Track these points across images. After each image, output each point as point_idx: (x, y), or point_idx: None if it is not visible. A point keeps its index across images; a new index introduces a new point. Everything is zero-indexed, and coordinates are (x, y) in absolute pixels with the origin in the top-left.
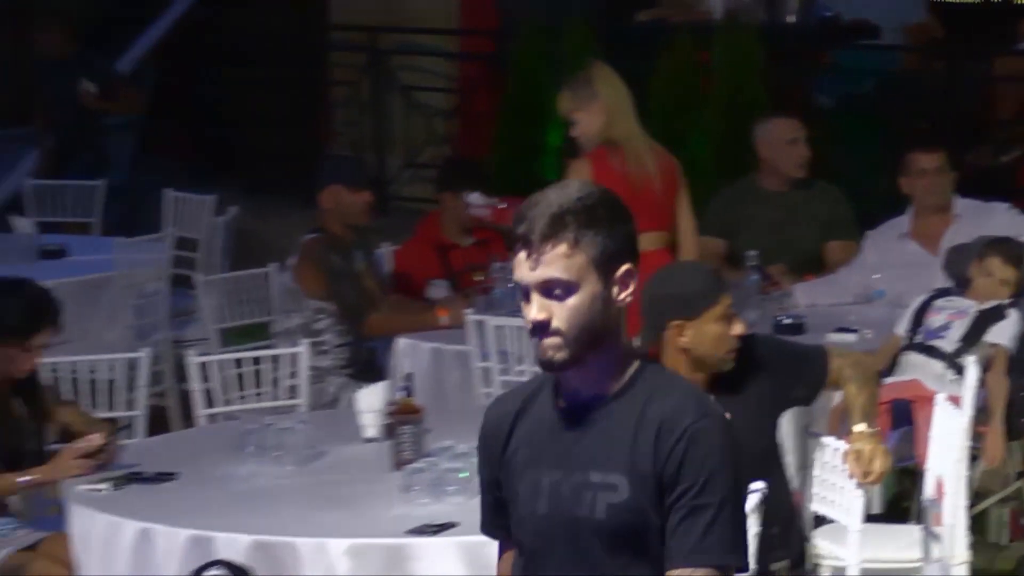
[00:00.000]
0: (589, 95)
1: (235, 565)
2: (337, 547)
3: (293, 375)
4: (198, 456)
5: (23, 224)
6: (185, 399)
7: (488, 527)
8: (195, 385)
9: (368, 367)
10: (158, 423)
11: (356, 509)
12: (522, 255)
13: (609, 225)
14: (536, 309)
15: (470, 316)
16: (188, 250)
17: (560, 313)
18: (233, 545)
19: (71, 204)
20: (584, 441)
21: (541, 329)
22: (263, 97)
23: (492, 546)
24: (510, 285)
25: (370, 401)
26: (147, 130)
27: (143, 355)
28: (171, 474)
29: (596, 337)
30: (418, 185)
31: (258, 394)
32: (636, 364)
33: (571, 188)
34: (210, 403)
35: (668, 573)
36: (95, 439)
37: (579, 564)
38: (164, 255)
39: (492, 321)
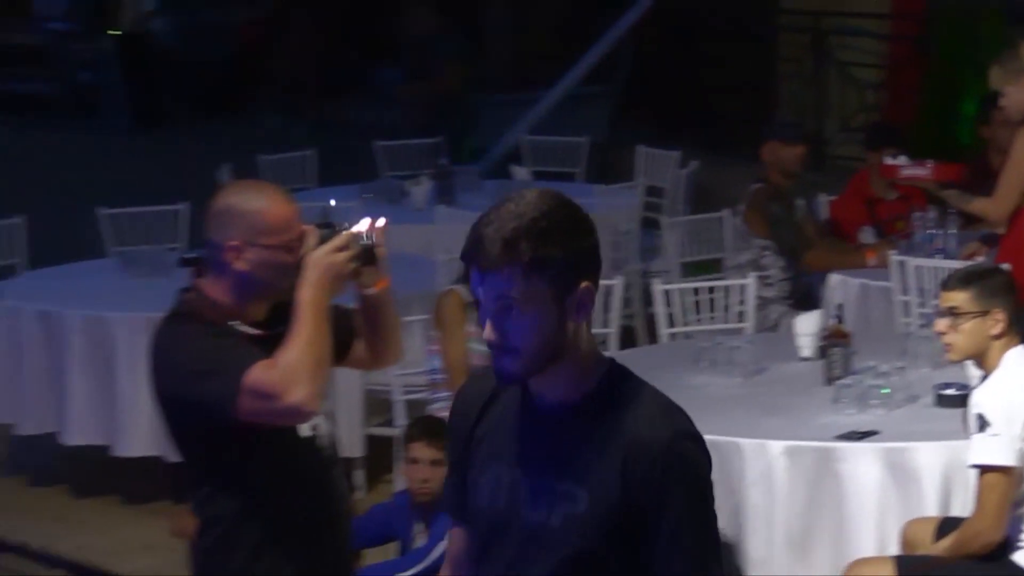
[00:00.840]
0: (1018, 69)
1: None
2: (776, 448)
3: (741, 303)
4: (661, 368)
5: (520, 172)
6: (650, 320)
7: (452, 509)
8: (659, 309)
9: (805, 298)
10: (627, 339)
11: (792, 416)
12: (475, 275)
13: (565, 244)
14: (490, 329)
15: (894, 257)
16: (655, 197)
17: (515, 332)
18: None
19: (560, 156)
20: (547, 445)
21: (496, 346)
22: (722, 69)
23: (912, 451)
24: (928, 232)
25: (807, 326)
26: (625, 95)
27: (617, 283)
28: None
29: (553, 354)
30: (851, 146)
31: (711, 318)
32: (602, 371)
33: (527, 205)
34: (671, 324)
35: None
36: None
37: (529, 568)
38: (636, 200)
39: (912, 262)
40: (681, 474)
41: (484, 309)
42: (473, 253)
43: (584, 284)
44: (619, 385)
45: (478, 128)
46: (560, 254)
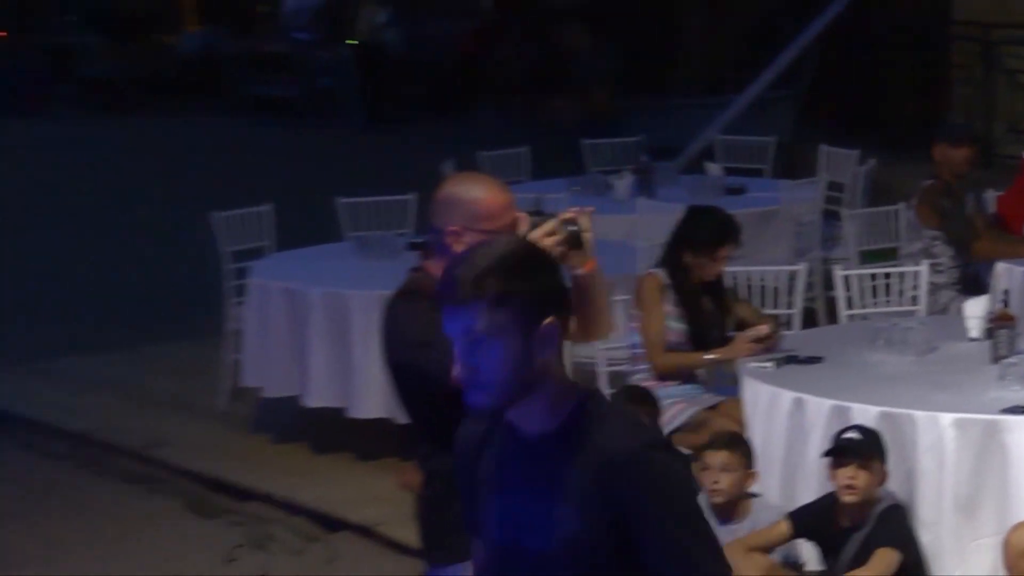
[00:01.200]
0: None
1: (867, 429)
2: (946, 420)
3: (914, 288)
4: (840, 346)
5: (714, 168)
6: (830, 303)
7: (474, 531)
8: (839, 292)
9: (974, 284)
10: (809, 320)
11: (961, 391)
12: (447, 313)
13: (530, 281)
14: (460, 364)
15: None
16: (836, 191)
17: (483, 365)
18: (865, 414)
19: (749, 154)
20: (534, 475)
21: (467, 381)
22: (898, 75)
23: None
24: None
25: (975, 309)
26: (809, 99)
27: (800, 268)
28: (819, 358)
29: (522, 387)
30: (1018, 146)
31: (887, 301)
32: (575, 399)
33: (496, 247)
34: (850, 306)
35: None
36: (763, 329)
37: None
38: (818, 194)
39: None
40: (650, 483)
41: (456, 345)
42: (445, 291)
43: (549, 320)
44: (591, 410)
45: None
46: (525, 289)
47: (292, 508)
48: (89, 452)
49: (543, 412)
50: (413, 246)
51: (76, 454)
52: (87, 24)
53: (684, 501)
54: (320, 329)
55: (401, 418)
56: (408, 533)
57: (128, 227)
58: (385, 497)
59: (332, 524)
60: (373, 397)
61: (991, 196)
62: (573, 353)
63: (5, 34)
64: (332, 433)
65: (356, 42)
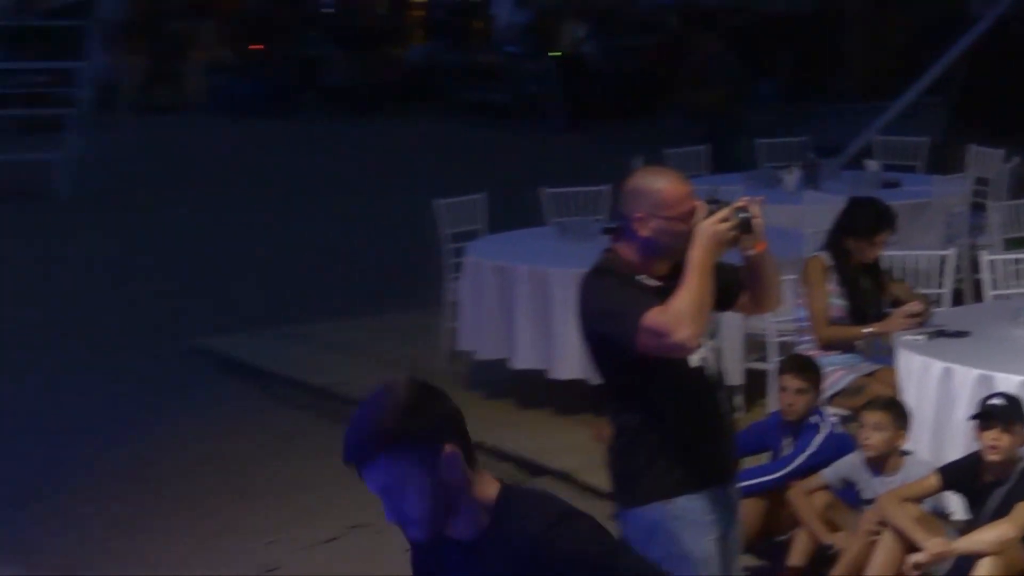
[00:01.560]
0: None
1: (1010, 395)
2: None
3: None
4: (985, 322)
5: (873, 165)
6: (976, 285)
7: None
8: (985, 275)
9: None
10: (957, 299)
11: None
12: (361, 475)
13: (420, 422)
14: (387, 513)
15: None
16: (982, 185)
17: (407, 509)
18: (1008, 382)
19: (904, 152)
20: (477, 573)
21: (400, 523)
22: None
23: None
24: None
25: None
26: (959, 104)
27: (950, 253)
28: (966, 332)
29: (447, 511)
30: None
31: None
32: (494, 496)
33: (380, 400)
34: (994, 287)
35: None
36: (916, 307)
37: None
38: (966, 188)
39: None
40: (566, 556)
41: (381, 499)
42: (348, 457)
43: (448, 448)
44: (509, 505)
45: (741, 140)
46: (415, 429)
47: (500, 455)
48: (329, 404)
49: (470, 521)
50: (606, 231)
51: (318, 405)
52: (329, 38)
53: (602, 553)
54: (526, 301)
55: (594, 379)
56: (600, 479)
57: (363, 213)
58: (581, 447)
59: (535, 470)
60: (571, 360)
61: None
62: (747, 324)
63: (263, 47)
64: (535, 391)
65: (559, 54)
